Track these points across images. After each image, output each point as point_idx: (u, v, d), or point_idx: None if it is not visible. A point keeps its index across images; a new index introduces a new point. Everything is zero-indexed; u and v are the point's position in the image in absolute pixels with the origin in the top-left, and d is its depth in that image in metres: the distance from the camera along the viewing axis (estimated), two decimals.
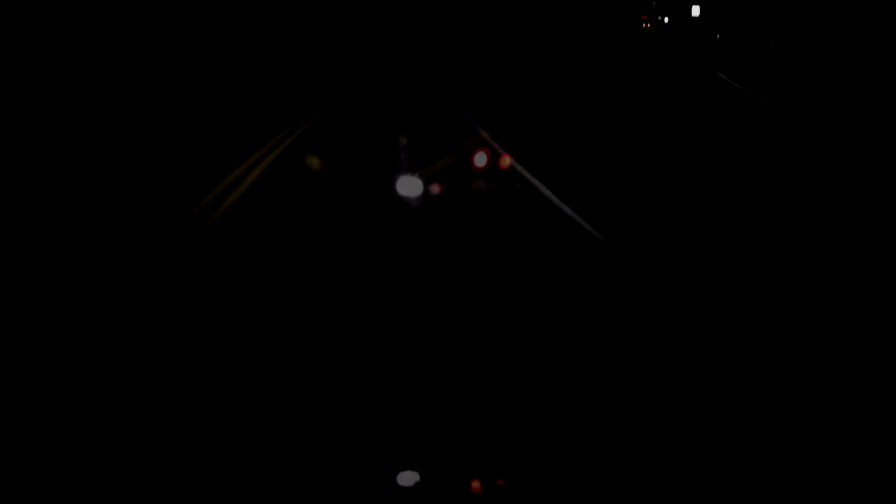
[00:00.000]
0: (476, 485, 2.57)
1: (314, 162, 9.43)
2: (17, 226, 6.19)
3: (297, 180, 8.06)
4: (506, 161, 8.89)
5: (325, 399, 3.34)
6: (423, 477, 2.64)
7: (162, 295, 4.70)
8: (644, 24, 43.86)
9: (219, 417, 3.18)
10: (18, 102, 11.93)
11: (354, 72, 21.68)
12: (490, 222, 6.52)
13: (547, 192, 7.27)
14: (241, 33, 22.12)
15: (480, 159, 9.17)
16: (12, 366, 3.74)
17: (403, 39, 28.39)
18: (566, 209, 6.59)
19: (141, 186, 7.65)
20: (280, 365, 3.72)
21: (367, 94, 16.89)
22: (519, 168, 8.38)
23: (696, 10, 39.06)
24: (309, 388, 3.46)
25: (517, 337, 4.04)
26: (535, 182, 7.72)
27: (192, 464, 2.80)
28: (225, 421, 3.14)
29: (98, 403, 3.33)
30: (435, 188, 7.85)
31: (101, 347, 3.89)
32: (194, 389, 3.47)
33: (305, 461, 2.78)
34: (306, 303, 4.56)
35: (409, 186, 7.91)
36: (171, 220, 6.24)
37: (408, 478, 2.65)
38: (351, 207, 6.82)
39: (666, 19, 42.81)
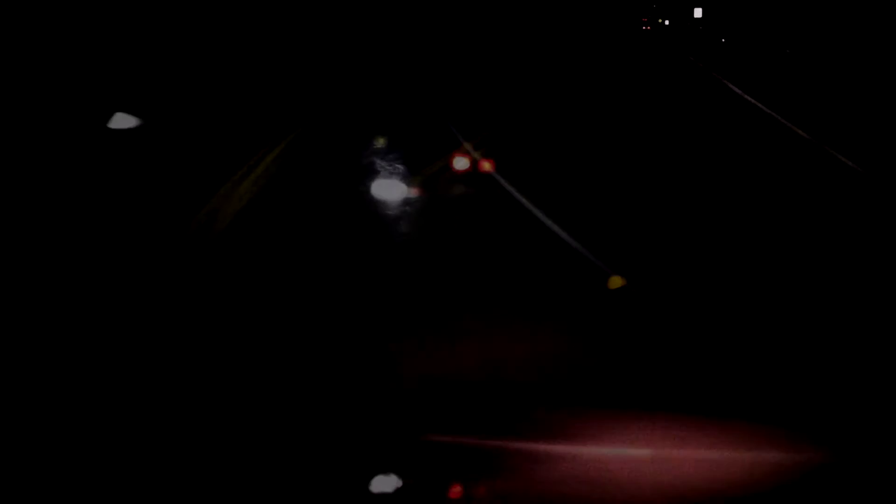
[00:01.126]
0: (457, 490, 2.61)
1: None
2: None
3: (288, 189, 8.31)
4: (486, 167, 9.20)
5: (318, 398, 3.51)
6: (404, 480, 2.71)
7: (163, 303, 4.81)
8: (644, 27, 42.86)
9: (215, 416, 3.32)
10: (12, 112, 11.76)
11: (340, 79, 21.22)
12: (472, 230, 6.79)
13: (532, 207, 7.41)
14: (227, 38, 21.62)
15: (462, 164, 9.59)
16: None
17: (388, 44, 28.01)
18: (553, 225, 6.68)
19: (135, 194, 7.62)
20: (277, 368, 3.89)
21: (353, 100, 17.14)
22: (501, 179, 8.64)
23: (698, 13, 38.05)
24: (303, 388, 3.64)
25: (504, 333, 4.27)
26: (519, 195, 7.87)
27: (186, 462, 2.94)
28: (221, 419, 3.29)
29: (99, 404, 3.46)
30: (419, 194, 8.24)
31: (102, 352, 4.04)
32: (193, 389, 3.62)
33: (297, 459, 2.93)
34: (299, 306, 4.83)
35: (393, 192, 8.33)
36: (169, 231, 6.25)
37: (389, 481, 2.71)
38: (337, 214, 7.09)
39: (667, 22, 41.87)
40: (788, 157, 10.32)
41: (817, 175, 9.29)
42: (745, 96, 16.09)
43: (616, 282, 5.33)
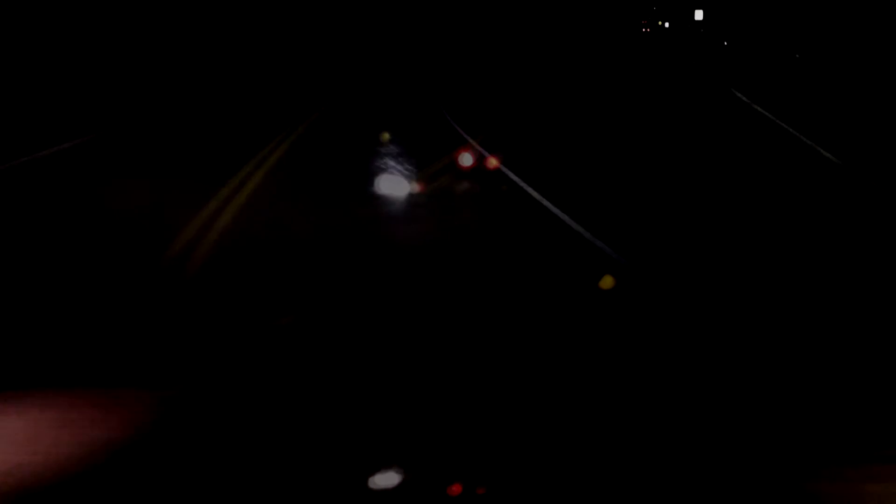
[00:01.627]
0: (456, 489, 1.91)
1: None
2: None
3: (291, 189, 8.28)
4: (492, 163, 9.29)
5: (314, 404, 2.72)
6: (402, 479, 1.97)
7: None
8: (644, 30, 42.34)
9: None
10: None
11: (345, 77, 21.39)
12: (480, 226, 6.97)
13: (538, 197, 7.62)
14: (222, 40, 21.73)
15: (467, 161, 9.63)
16: None
17: (394, 43, 28.15)
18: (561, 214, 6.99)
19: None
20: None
21: (358, 98, 17.25)
22: (507, 172, 8.82)
23: (699, 15, 37.49)
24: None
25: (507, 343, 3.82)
26: (524, 190, 8.09)
27: None
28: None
29: None
30: (424, 191, 8.31)
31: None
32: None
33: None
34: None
35: (399, 189, 8.37)
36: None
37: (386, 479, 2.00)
38: (342, 216, 7.09)
39: (667, 24, 41.35)
40: (808, 175, 9.69)
41: (844, 198, 8.68)
42: (755, 106, 15.48)
43: (608, 281, 5.22)
